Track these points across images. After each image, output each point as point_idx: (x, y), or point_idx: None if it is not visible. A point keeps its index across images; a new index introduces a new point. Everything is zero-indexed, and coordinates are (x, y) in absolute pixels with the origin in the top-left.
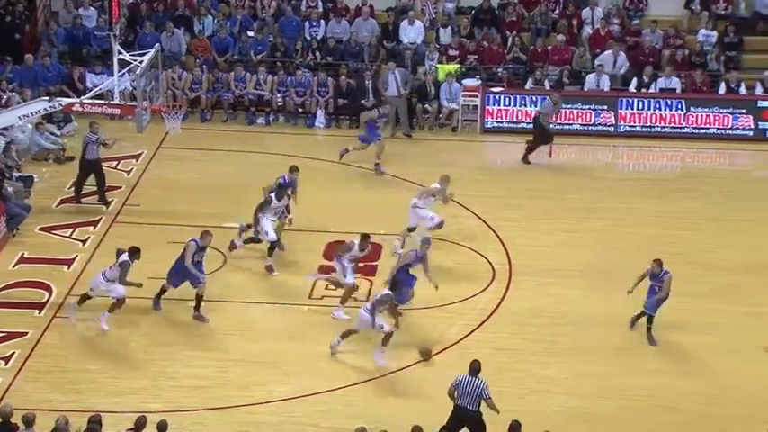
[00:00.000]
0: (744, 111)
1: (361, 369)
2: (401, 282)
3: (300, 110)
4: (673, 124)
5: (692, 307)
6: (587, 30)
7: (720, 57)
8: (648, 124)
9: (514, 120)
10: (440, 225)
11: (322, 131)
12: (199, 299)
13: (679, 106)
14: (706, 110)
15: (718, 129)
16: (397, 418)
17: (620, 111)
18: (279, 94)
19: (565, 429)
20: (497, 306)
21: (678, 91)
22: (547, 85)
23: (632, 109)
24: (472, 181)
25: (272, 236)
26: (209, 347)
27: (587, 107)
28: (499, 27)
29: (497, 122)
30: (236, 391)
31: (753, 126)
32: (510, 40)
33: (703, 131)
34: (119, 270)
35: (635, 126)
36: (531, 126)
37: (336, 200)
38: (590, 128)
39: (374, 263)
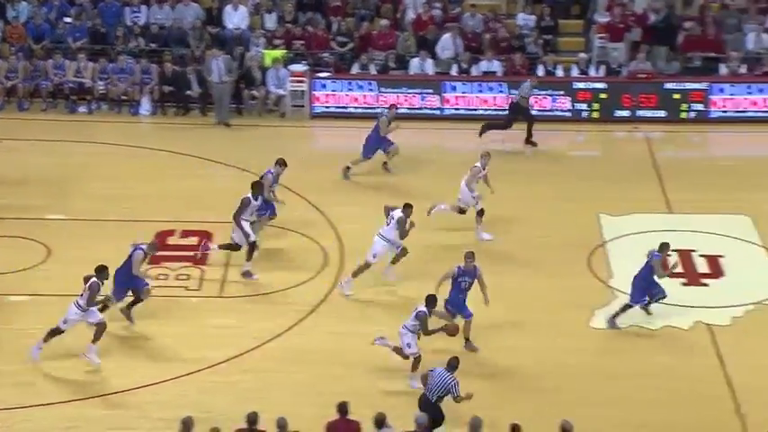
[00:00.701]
0: (561, 92)
1: (193, 360)
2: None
3: (124, 97)
4: (495, 106)
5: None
6: (410, 14)
7: (538, 40)
8: (472, 107)
9: (342, 104)
10: (461, 212)
11: (147, 119)
12: (138, 301)
13: (501, 89)
14: None
15: (538, 110)
16: (228, 407)
17: (444, 94)
18: (101, 82)
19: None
20: (329, 291)
21: (499, 74)
22: (372, 69)
23: (456, 92)
24: (303, 167)
25: (253, 236)
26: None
27: (413, 91)
28: (324, 12)
29: (325, 107)
30: (65, 387)
31: (570, 107)
32: (335, 25)
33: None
34: (89, 293)
35: (459, 109)
36: (507, 111)
37: (164, 189)
38: (416, 111)
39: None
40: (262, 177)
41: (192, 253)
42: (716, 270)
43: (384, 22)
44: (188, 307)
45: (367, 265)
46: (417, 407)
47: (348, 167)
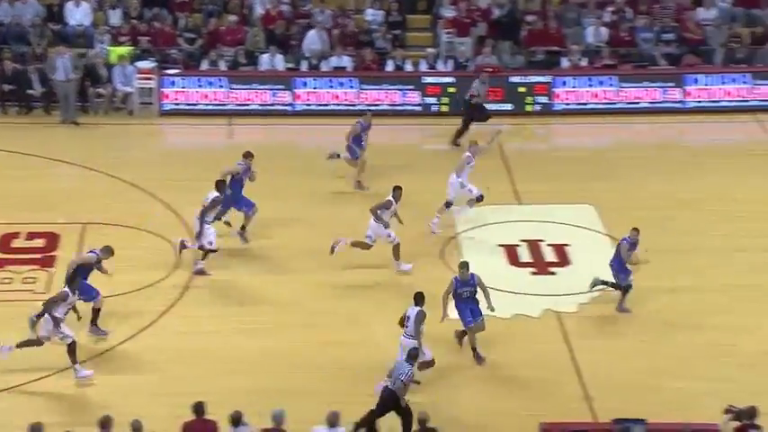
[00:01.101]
0: (411, 87)
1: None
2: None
3: None
4: (346, 102)
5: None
6: (258, 10)
7: (387, 35)
8: (324, 102)
9: (192, 101)
10: (480, 198)
11: None
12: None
13: (351, 84)
14: (377, 87)
15: (388, 105)
16: (80, 410)
17: (296, 90)
18: None
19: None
20: (183, 291)
21: (349, 69)
22: (222, 65)
23: (307, 88)
24: (153, 165)
25: (214, 244)
26: None
27: (264, 87)
28: (170, 8)
29: (175, 105)
30: None
31: (420, 101)
32: (182, 21)
33: (375, 108)
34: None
35: (311, 105)
36: (462, 109)
37: (6, 190)
38: (268, 108)
39: (52, 253)
40: (233, 175)
41: (39, 255)
42: (563, 259)
43: (232, 17)
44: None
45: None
46: (379, 398)
47: (359, 182)
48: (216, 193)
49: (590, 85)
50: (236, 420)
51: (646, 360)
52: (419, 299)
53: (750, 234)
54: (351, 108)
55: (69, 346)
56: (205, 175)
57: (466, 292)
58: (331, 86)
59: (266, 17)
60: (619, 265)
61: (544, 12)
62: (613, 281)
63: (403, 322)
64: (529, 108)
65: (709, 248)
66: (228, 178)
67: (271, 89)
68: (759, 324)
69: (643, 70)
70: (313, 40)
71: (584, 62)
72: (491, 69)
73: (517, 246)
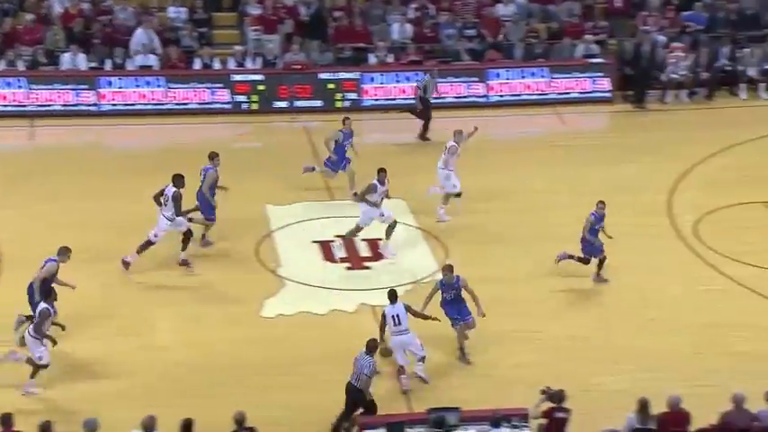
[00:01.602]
0: (220, 85)
1: None
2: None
3: None
4: (154, 101)
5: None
6: (57, 8)
7: (193, 33)
8: (130, 102)
9: None
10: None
11: None
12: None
13: (159, 83)
14: (185, 86)
15: (198, 104)
16: None
17: (100, 90)
18: None
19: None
20: None
21: (156, 68)
22: (21, 65)
23: (113, 87)
24: None
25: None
26: None
27: (67, 87)
28: None
29: None
30: None
31: (230, 99)
32: None
33: (184, 107)
34: (39, 320)
35: (117, 104)
36: (415, 103)
37: None
38: (71, 107)
39: None
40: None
41: None
42: (377, 253)
43: (29, 16)
44: None
45: (358, 229)
46: (345, 393)
47: (355, 193)
48: (173, 189)
49: (397, 81)
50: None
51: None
52: (393, 296)
53: (552, 223)
54: (158, 107)
55: (42, 366)
56: (5, 179)
57: (450, 294)
58: (137, 86)
59: (65, 15)
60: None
61: (350, 9)
62: (581, 255)
63: (383, 328)
64: (339, 104)
65: (514, 239)
66: (206, 187)
67: (74, 89)
68: (561, 312)
69: (448, 66)
70: (141, 39)
71: (390, 58)
72: (300, 66)
73: (332, 242)
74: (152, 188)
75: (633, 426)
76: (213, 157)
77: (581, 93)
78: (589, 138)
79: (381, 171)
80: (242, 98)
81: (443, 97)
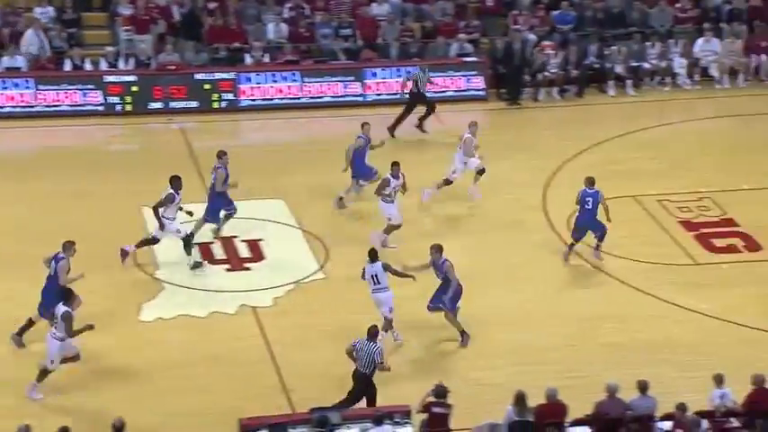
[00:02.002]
0: (92, 86)
1: None
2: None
3: None
4: (23, 103)
5: None
6: None
7: (62, 33)
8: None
9: None
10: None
11: None
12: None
13: (27, 85)
14: (55, 87)
15: (69, 106)
16: None
17: None
18: None
19: None
20: None
21: (24, 69)
22: None
23: None
24: None
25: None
26: None
27: None
28: None
29: None
30: None
31: (102, 101)
32: None
33: (54, 109)
34: (63, 324)
35: None
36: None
37: None
38: None
39: None
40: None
41: None
42: (257, 254)
43: None
44: None
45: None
46: (352, 381)
47: (340, 198)
48: (170, 191)
49: (274, 81)
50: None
51: (341, 348)
52: (373, 255)
53: (428, 223)
54: (28, 110)
55: (74, 357)
56: None
57: (440, 275)
58: (5, 88)
59: None
60: (591, 218)
61: (224, 9)
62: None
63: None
64: (215, 105)
65: (393, 238)
66: (219, 185)
67: None
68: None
69: (324, 65)
70: (32, 41)
71: (266, 58)
72: (174, 67)
73: (211, 243)
74: (22, 194)
75: (511, 418)
76: (221, 155)
77: (456, 91)
78: None
79: (395, 165)
80: (115, 99)
81: (321, 96)
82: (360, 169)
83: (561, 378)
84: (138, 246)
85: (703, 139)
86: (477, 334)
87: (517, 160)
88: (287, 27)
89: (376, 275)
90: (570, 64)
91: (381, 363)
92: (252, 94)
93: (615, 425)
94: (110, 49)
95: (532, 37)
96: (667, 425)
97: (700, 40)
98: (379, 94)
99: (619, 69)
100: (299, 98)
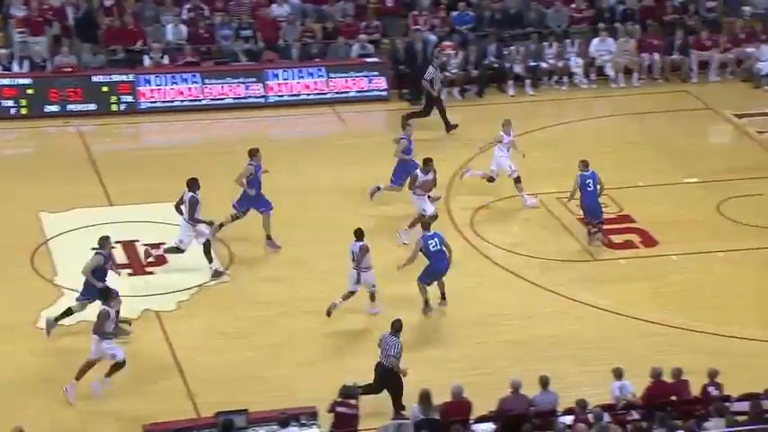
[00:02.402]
0: None
1: None
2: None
3: None
4: None
5: None
6: None
7: None
8: None
9: None
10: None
11: None
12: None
13: None
14: None
15: None
16: None
17: None
18: None
19: None
20: None
21: None
22: None
23: None
24: None
25: (207, 232)
26: None
27: None
28: None
29: None
30: None
31: None
32: None
33: None
34: (98, 321)
35: None
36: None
37: None
38: None
39: None
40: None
41: None
42: (160, 258)
43: None
44: None
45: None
46: (374, 372)
47: (378, 188)
48: (190, 193)
49: (174, 83)
50: None
51: (247, 351)
52: (359, 234)
53: (339, 224)
54: None
55: (118, 363)
56: None
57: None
58: None
59: None
60: (592, 202)
61: (121, 10)
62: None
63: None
64: (114, 108)
65: (301, 239)
66: (244, 180)
67: None
68: (343, 308)
69: (225, 67)
70: None
71: (166, 60)
72: (70, 69)
73: (112, 248)
74: None
75: (417, 417)
76: (254, 153)
77: (358, 92)
78: (369, 136)
79: (427, 161)
80: (9, 103)
81: (222, 98)
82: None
83: (467, 375)
84: (167, 252)
85: (600, 137)
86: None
87: (419, 160)
88: (186, 28)
89: (354, 252)
90: (470, 64)
91: (394, 357)
92: (152, 97)
93: (519, 421)
94: (3, 51)
95: (433, 37)
96: (569, 419)
97: (595, 40)
98: (281, 96)
99: (517, 69)
100: (200, 100)
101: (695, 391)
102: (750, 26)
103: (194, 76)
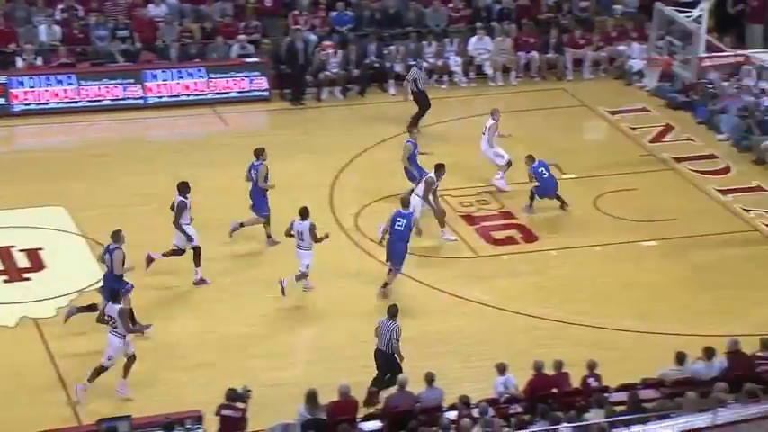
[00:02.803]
0: None
1: None
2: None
3: None
4: None
5: None
6: None
7: None
8: None
9: None
10: (509, 163)
11: None
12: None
13: None
14: None
15: None
16: None
17: None
18: None
19: None
20: None
21: None
22: None
23: None
24: None
25: (195, 240)
26: None
27: None
28: None
29: None
30: None
31: None
32: None
33: None
34: (120, 320)
35: None
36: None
37: None
38: None
39: None
40: (250, 171)
41: None
42: (37, 263)
43: None
44: None
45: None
46: (374, 361)
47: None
48: (180, 197)
49: (49, 85)
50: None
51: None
52: (305, 213)
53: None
54: None
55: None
56: None
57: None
58: None
59: None
60: (552, 185)
61: None
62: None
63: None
64: None
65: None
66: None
67: None
68: (229, 310)
69: (102, 68)
70: None
71: (39, 61)
72: None
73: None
74: None
75: (304, 417)
76: (260, 153)
77: (239, 92)
78: (251, 136)
79: (440, 167)
80: None
81: (99, 100)
82: (409, 173)
83: (354, 374)
84: (166, 255)
85: (480, 135)
86: (270, 334)
87: (303, 160)
88: (60, 29)
89: (301, 233)
90: (351, 63)
91: (396, 340)
92: (25, 99)
93: (405, 418)
94: None
95: (313, 37)
96: (453, 415)
97: (473, 39)
98: (160, 97)
99: (398, 68)
100: (76, 102)
101: (576, 382)
102: (621, 25)
103: (69, 77)
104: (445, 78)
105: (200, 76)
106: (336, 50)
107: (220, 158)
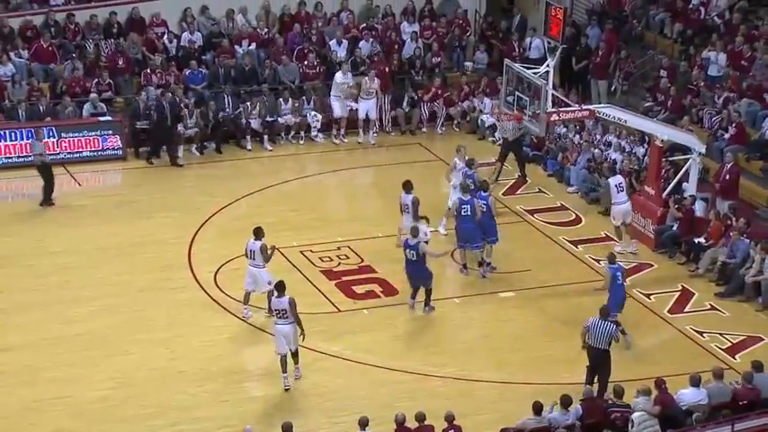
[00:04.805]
0: None
1: None
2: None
3: None
4: None
5: None
6: None
7: None
8: None
9: None
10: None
11: None
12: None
13: None
14: None
15: None
16: None
17: None
18: None
19: None
20: None
21: None
22: None
23: None
24: None
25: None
26: None
27: None
28: None
29: None
30: None
31: None
32: None
33: None
34: (291, 309)
35: None
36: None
37: None
38: None
39: None
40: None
41: None
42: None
43: None
44: None
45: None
46: (589, 360)
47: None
48: (257, 242)
49: None
50: None
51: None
52: (259, 232)
53: (74, 286)
54: None
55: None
56: None
57: (412, 254)
58: None
59: None
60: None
61: None
62: None
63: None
64: None
65: (29, 304)
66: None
67: None
68: (90, 372)
69: None
70: None
71: None
72: None
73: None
74: None
75: None
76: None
77: (92, 151)
78: (106, 196)
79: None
80: None
81: None
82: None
83: None
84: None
85: (339, 190)
86: (130, 396)
87: (160, 218)
88: None
89: (252, 252)
90: (207, 121)
91: (618, 338)
92: None
93: None
94: None
95: (168, 95)
96: None
97: (338, 74)
98: (9, 158)
99: (255, 125)
100: None
101: None
102: (473, 81)
103: None
104: (303, 134)
105: (51, 136)
106: (191, 108)
107: (73, 219)
